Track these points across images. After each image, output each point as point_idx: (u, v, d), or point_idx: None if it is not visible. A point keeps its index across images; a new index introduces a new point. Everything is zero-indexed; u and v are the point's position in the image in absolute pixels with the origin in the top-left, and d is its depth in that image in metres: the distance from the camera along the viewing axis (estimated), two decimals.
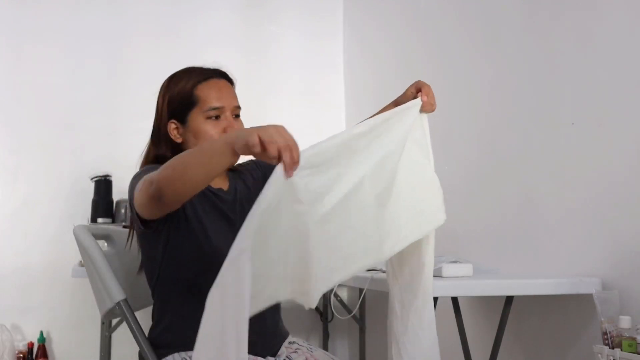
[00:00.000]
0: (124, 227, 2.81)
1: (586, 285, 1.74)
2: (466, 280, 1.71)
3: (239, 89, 1.65)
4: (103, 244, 1.78)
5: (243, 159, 1.66)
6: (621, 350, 1.49)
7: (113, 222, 2.86)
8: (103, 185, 2.90)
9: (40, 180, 3.07)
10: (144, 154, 1.61)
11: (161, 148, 1.56)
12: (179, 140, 1.56)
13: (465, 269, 1.79)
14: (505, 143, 2.25)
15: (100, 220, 2.85)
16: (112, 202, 2.91)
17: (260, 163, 1.70)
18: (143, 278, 1.69)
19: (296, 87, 3.44)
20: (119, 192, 2.99)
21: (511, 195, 2.20)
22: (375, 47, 3.26)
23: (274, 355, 1.55)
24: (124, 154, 3.15)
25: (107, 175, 2.92)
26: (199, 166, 1.21)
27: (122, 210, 2.88)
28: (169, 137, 1.56)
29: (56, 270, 2.96)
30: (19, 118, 3.08)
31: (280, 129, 1.08)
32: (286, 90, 3.39)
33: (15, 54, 3.10)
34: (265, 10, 3.49)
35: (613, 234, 1.80)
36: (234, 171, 1.69)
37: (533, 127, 2.11)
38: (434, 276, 1.73)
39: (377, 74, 3.22)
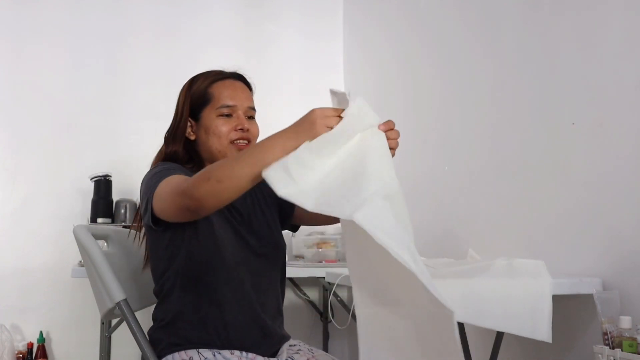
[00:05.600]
0: (124, 227, 2.81)
1: (586, 285, 1.74)
2: None
3: None
4: (103, 244, 1.78)
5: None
6: (622, 350, 1.49)
7: (113, 222, 2.86)
8: (103, 185, 2.90)
9: (40, 180, 3.07)
10: (157, 152, 1.63)
11: (175, 145, 1.60)
12: (192, 138, 1.60)
13: None
14: (505, 143, 2.25)
15: (100, 220, 2.85)
16: (112, 202, 2.91)
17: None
18: (143, 278, 1.69)
19: (296, 87, 3.44)
20: (119, 192, 2.99)
21: (511, 195, 2.20)
22: (375, 47, 3.26)
23: (274, 355, 1.56)
24: (124, 154, 3.17)
25: (107, 175, 2.92)
26: (250, 166, 1.18)
27: (122, 210, 2.88)
28: (185, 135, 1.60)
29: (56, 270, 2.97)
30: (19, 118, 3.08)
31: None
32: (286, 90, 3.39)
33: (15, 54, 3.10)
34: (265, 10, 3.49)
35: (613, 234, 1.79)
36: None
37: (533, 127, 2.11)
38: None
39: (377, 74, 3.22)
